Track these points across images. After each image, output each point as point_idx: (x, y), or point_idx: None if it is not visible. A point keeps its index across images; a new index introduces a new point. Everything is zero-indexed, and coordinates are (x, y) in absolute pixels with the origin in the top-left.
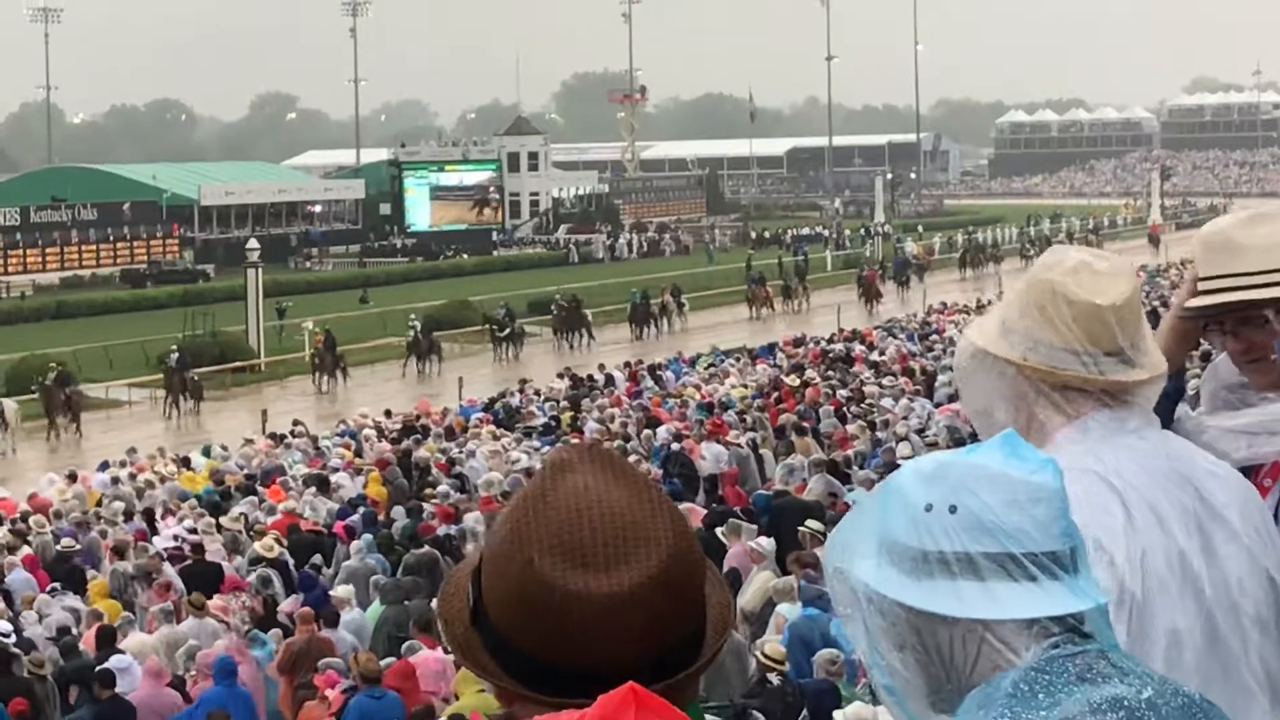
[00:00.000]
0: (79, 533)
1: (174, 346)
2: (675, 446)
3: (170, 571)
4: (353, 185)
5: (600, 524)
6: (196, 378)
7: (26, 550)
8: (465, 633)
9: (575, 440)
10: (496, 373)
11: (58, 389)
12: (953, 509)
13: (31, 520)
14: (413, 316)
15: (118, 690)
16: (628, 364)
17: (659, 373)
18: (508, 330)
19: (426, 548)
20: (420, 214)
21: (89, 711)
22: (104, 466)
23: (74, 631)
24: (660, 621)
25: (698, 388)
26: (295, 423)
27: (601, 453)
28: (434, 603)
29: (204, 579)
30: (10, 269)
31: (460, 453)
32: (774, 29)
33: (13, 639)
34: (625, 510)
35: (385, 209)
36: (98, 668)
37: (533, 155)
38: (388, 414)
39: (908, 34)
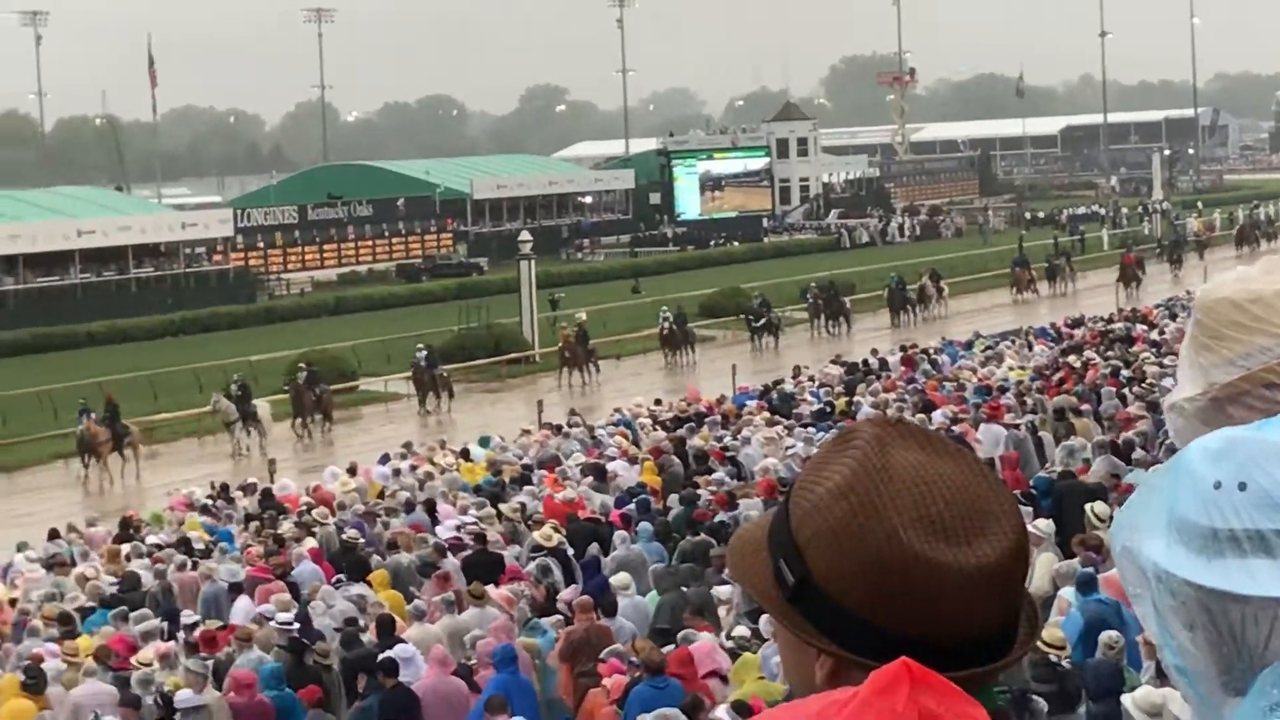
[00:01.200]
0: (363, 524)
1: (421, 345)
2: (954, 430)
3: (451, 562)
4: (622, 175)
5: (950, 497)
6: (446, 374)
7: (312, 543)
8: (782, 606)
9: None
10: (756, 362)
11: (308, 389)
12: (1242, 486)
13: (315, 513)
14: (664, 309)
15: (402, 679)
16: (902, 348)
17: (934, 356)
18: (763, 320)
19: (702, 535)
20: (690, 202)
21: (375, 700)
22: (384, 459)
23: (360, 622)
24: (1010, 595)
25: (974, 371)
26: (571, 412)
27: (914, 426)
28: (712, 589)
29: (484, 568)
30: (289, 266)
31: (735, 440)
32: (1045, 6)
33: (296, 629)
34: (966, 483)
35: (655, 198)
36: (381, 657)
37: (802, 141)
38: (657, 403)
39: (1183, 7)
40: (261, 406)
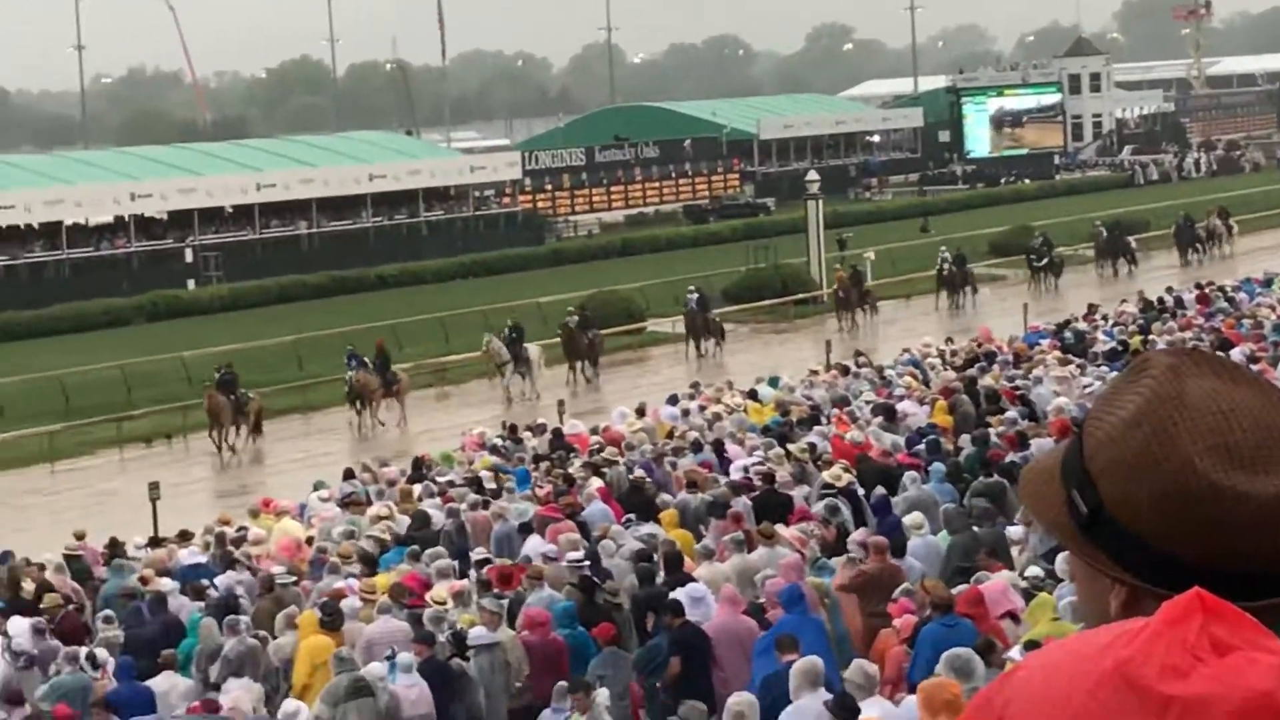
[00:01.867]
0: (651, 465)
1: (692, 288)
2: (1252, 369)
3: (742, 502)
4: (910, 114)
5: (1248, 425)
6: (717, 318)
7: (600, 483)
8: (1076, 536)
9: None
10: (1038, 301)
11: (580, 333)
12: None
13: (605, 453)
14: (943, 249)
15: (692, 618)
16: (1198, 285)
17: (1231, 294)
18: (1045, 260)
19: (995, 475)
20: (980, 140)
21: (665, 639)
22: (673, 400)
23: (653, 560)
24: None
25: (1272, 308)
26: (857, 353)
27: (1209, 354)
28: (1004, 530)
29: (773, 509)
30: (577, 208)
31: (1026, 380)
32: None
33: (586, 568)
34: (1264, 412)
35: (944, 136)
36: (670, 596)
37: (1094, 76)
38: (948, 341)
39: None
40: (532, 350)
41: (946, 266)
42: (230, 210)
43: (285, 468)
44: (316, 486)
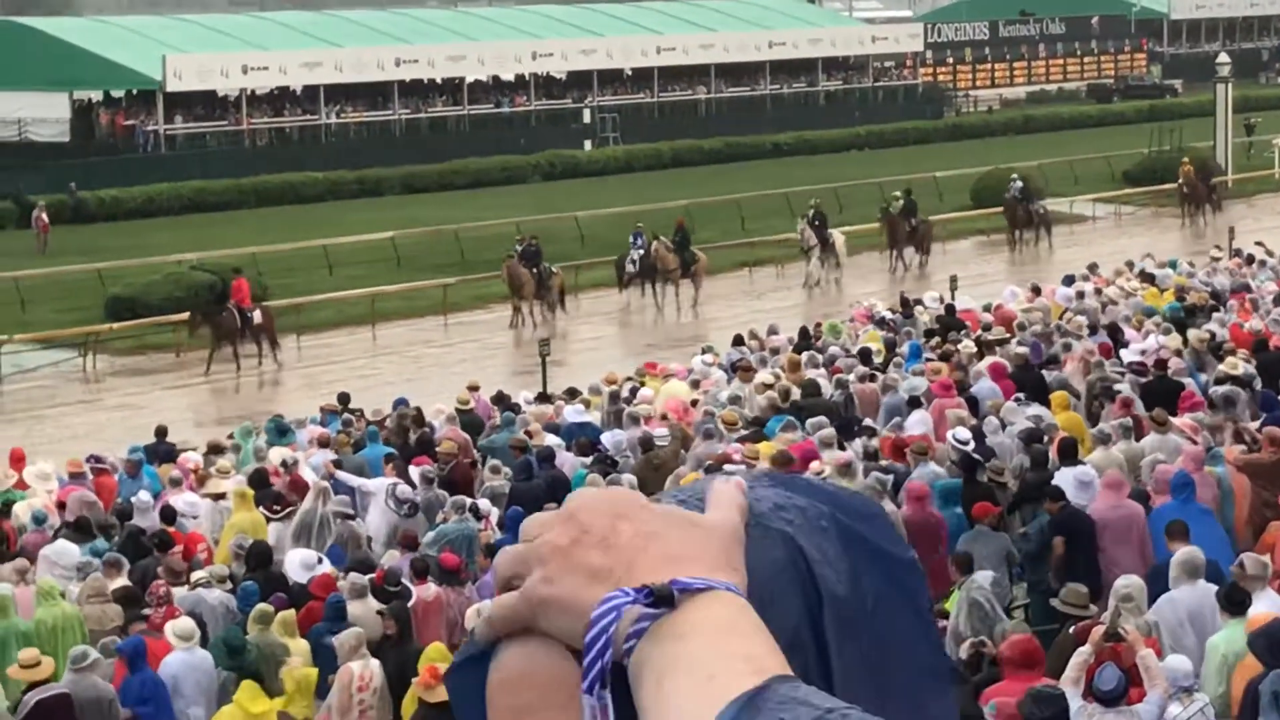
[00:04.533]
0: (1039, 345)
1: (1014, 176)
2: None
3: (1128, 386)
4: None
5: None
6: (1043, 209)
7: (992, 359)
8: None
9: None
10: None
11: (904, 219)
12: None
13: (995, 331)
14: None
15: (1077, 502)
16: None
17: None
18: None
19: None
20: None
21: (1042, 522)
22: (1069, 280)
23: (1044, 441)
24: None
25: None
26: (1257, 244)
27: None
28: None
29: (1165, 395)
30: (979, 83)
31: None
32: None
33: (971, 446)
34: None
35: None
36: (1052, 481)
37: None
38: None
39: None
40: (837, 237)
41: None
42: (629, 73)
43: (679, 330)
44: (705, 350)
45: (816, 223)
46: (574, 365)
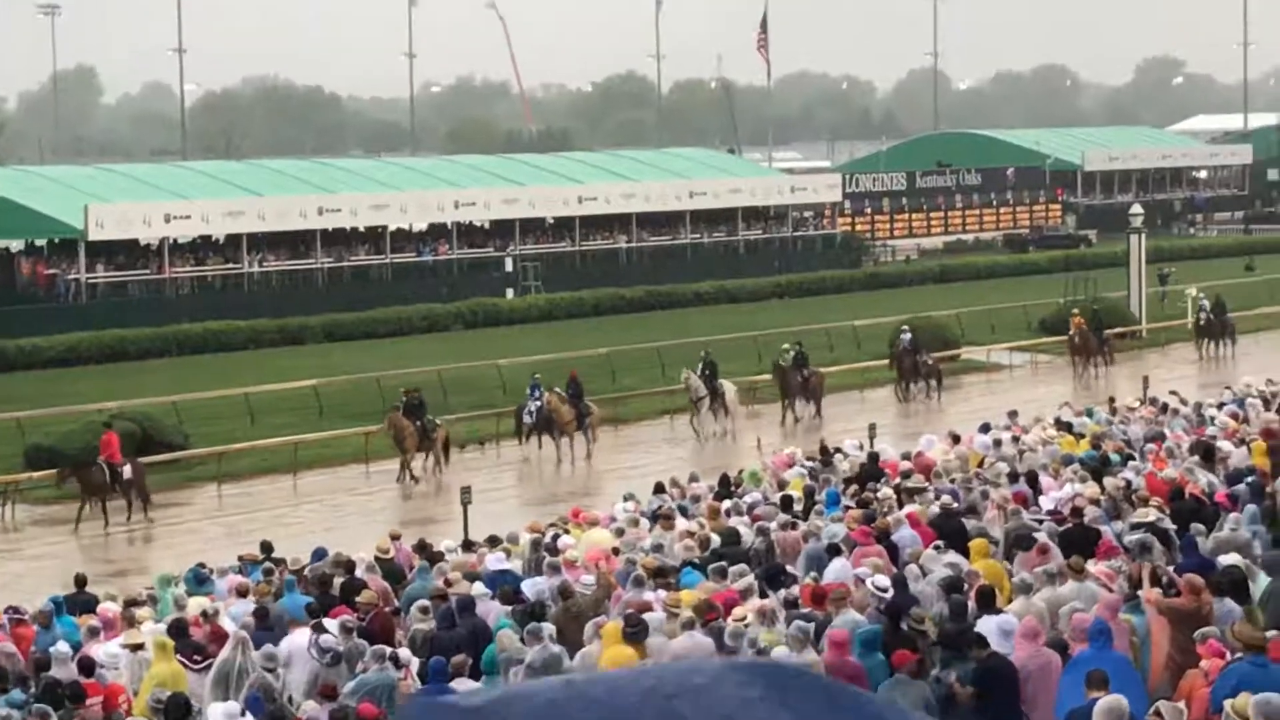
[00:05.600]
0: (958, 492)
1: (905, 326)
2: None
3: (1044, 535)
4: (1239, 151)
5: None
6: (931, 361)
7: (912, 508)
8: None
9: None
10: None
11: (795, 371)
12: None
13: (913, 479)
14: (1203, 297)
15: (998, 650)
16: None
17: None
18: None
19: None
20: None
21: (968, 671)
22: (985, 428)
23: (964, 590)
24: None
25: None
26: (1171, 393)
27: None
28: None
29: (1082, 542)
30: (896, 233)
31: None
32: None
33: (891, 594)
34: None
35: (1273, 175)
36: (974, 630)
37: None
38: (1269, 382)
39: None
40: (727, 387)
41: (1203, 315)
42: (551, 221)
43: (598, 479)
44: (626, 498)
45: (706, 373)
46: (494, 513)
